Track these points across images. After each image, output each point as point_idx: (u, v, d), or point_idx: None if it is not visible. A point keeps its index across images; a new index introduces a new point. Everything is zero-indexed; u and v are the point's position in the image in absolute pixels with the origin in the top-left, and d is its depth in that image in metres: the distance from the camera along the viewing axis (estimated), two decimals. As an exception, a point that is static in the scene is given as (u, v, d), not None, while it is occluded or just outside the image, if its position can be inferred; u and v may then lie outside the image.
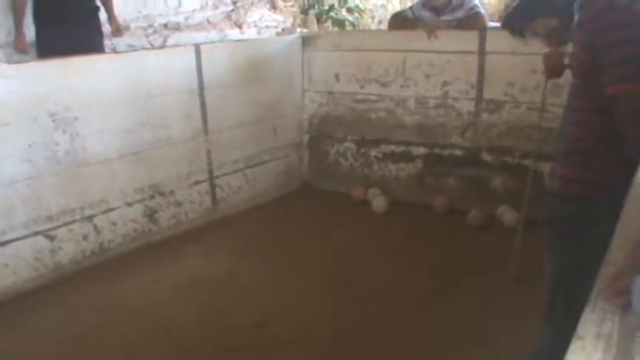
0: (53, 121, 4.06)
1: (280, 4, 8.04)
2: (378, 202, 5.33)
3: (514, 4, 5.01)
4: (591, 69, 2.19)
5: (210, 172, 5.09)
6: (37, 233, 4.09)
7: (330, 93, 5.73)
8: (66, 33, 4.95)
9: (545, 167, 4.55)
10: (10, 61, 4.77)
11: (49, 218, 4.13)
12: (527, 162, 4.89)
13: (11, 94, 3.87)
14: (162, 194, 4.76)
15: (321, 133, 5.89)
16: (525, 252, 3.84)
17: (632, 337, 1.12)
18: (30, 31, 5.13)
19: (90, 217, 4.33)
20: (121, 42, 5.89)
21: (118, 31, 5.60)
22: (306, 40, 5.78)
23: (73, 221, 4.25)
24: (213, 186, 5.13)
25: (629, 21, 2.08)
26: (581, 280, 1.33)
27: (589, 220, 2.17)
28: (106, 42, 5.61)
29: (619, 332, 1.13)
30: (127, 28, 6.10)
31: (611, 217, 1.46)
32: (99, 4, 5.40)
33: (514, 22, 4.69)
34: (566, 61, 2.86)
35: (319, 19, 8.40)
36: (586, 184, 2.34)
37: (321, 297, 3.92)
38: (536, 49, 4.28)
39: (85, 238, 4.32)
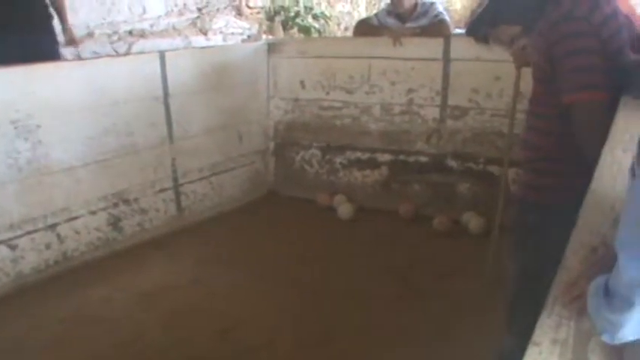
0: (15, 128, 4.01)
1: (246, 10, 8.03)
2: (344, 209, 5.33)
3: (479, 11, 5.04)
4: (550, 76, 2.21)
5: (175, 179, 5.06)
6: (-2, 242, 4.04)
7: (296, 100, 5.73)
8: (19, 41, 4.88)
9: (511, 173, 4.59)
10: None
11: (11, 227, 4.07)
12: (492, 168, 4.94)
13: (-29, 101, 3.83)
14: (126, 202, 4.72)
15: (286, 140, 5.89)
16: (499, 256, 3.86)
17: (588, 342, 1.13)
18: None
19: (53, 226, 4.28)
20: (86, 49, 5.84)
21: (72, 41, 5.49)
22: (271, 47, 5.77)
23: (36, 230, 4.19)
24: (178, 193, 5.10)
25: (587, 31, 2.10)
26: (543, 285, 1.34)
27: (550, 227, 2.19)
28: (71, 49, 5.55)
29: (574, 337, 1.14)
30: (91, 35, 6.06)
31: (572, 223, 1.48)
32: (53, 13, 5.31)
33: (478, 29, 4.72)
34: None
35: (285, 25, 8.40)
36: (547, 191, 2.36)
37: (287, 303, 3.91)
38: (499, 56, 4.32)
39: (47, 247, 4.27)
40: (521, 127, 2.66)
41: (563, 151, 2.27)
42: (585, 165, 1.92)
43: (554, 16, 2.19)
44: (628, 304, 0.98)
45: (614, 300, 1.03)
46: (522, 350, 1.11)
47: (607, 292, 1.06)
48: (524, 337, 1.16)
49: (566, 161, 2.27)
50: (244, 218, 5.40)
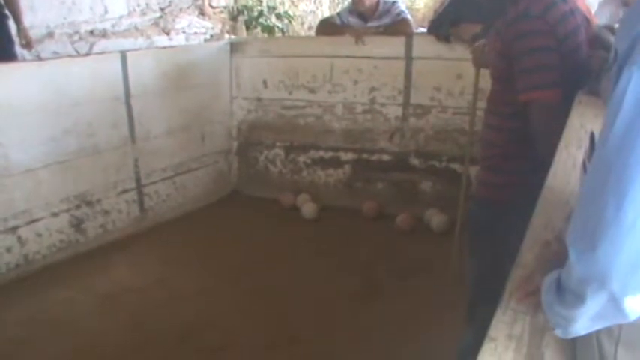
0: (-28, 130, 3.97)
1: (209, 10, 8.00)
2: (307, 209, 5.34)
3: (441, 10, 5.09)
4: (507, 75, 2.24)
5: (138, 180, 5.03)
6: (-42, 246, 3.98)
7: (259, 99, 5.72)
8: None
9: (473, 171, 4.63)
10: None
11: (-29, 230, 4.03)
12: (454, 166, 4.98)
13: None
14: (89, 204, 4.68)
15: (249, 139, 5.88)
16: (461, 253, 3.88)
17: (542, 337, 1.14)
18: None
19: (13, 229, 4.22)
20: (46, 49, 5.77)
21: (28, 44, 5.39)
22: (234, 47, 5.75)
23: (-4, 233, 4.15)
24: (141, 194, 5.07)
25: (543, 29, 2.13)
26: (501, 282, 1.35)
27: (505, 223, 2.21)
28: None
29: (530, 332, 1.15)
30: (52, 35, 5.99)
31: (526, 219, 1.49)
32: (8, 13, 5.24)
33: (440, 28, 4.76)
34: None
35: (248, 25, 8.37)
36: (501, 188, 2.39)
37: (250, 304, 3.91)
38: (461, 54, 4.36)
39: (8, 250, 4.21)
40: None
41: (519, 149, 2.29)
42: (540, 162, 1.95)
43: (511, 14, 2.21)
44: (579, 300, 1.00)
45: (566, 295, 1.04)
46: (480, 346, 1.12)
47: (559, 287, 1.07)
48: (482, 332, 1.17)
49: (522, 158, 2.29)
50: (208, 219, 5.38)
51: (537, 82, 2.12)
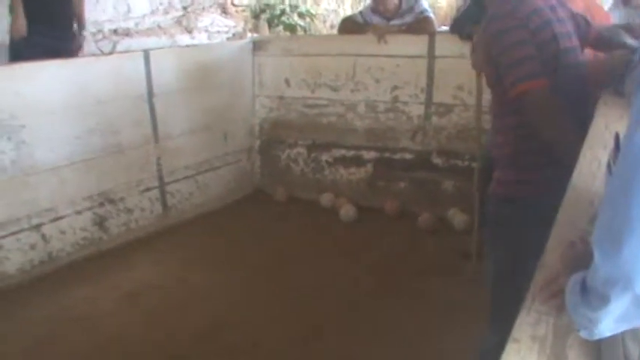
0: (-2, 128, 4.00)
1: (231, 9, 8.01)
2: (347, 211, 5.29)
3: (464, 8, 5.06)
4: (495, 75, 2.29)
5: (161, 178, 5.05)
6: (-17, 243, 4.01)
7: (281, 98, 5.73)
8: (58, 35, 4.94)
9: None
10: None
11: (-5, 227, 4.06)
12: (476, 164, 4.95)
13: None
14: (112, 202, 4.71)
15: (272, 138, 5.89)
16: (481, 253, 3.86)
17: (567, 338, 1.14)
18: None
19: (37, 226, 4.25)
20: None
21: (79, 47, 5.42)
22: (256, 45, 5.77)
23: (21, 230, 4.17)
24: (163, 193, 5.09)
25: (514, 24, 2.20)
26: (520, 279, 1.35)
27: (522, 221, 2.23)
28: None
29: (553, 333, 1.14)
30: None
31: (543, 216, 1.49)
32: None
33: (463, 27, 4.73)
34: None
35: (270, 23, 8.38)
36: (515, 185, 2.40)
37: (272, 303, 3.91)
38: (483, 53, 4.33)
39: (32, 247, 4.24)
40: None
41: (527, 145, 2.32)
42: (551, 156, 1.97)
43: (489, 14, 2.30)
44: (604, 301, 0.99)
45: (591, 296, 1.03)
46: (502, 347, 1.11)
47: (584, 289, 1.06)
48: (503, 333, 1.16)
49: (532, 154, 2.32)
50: (230, 217, 5.39)
51: (521, 74, 2.17)
